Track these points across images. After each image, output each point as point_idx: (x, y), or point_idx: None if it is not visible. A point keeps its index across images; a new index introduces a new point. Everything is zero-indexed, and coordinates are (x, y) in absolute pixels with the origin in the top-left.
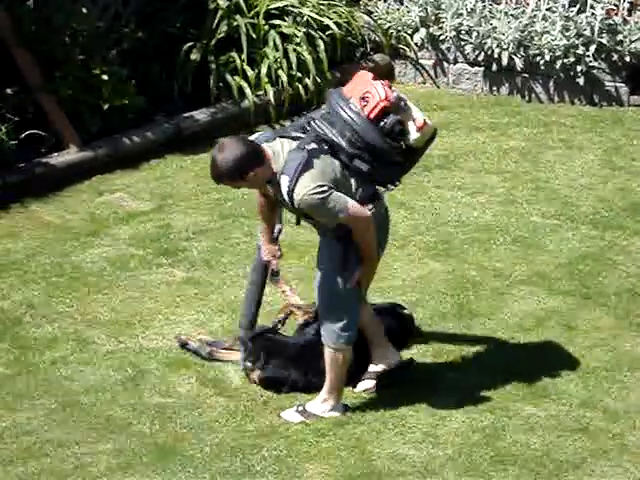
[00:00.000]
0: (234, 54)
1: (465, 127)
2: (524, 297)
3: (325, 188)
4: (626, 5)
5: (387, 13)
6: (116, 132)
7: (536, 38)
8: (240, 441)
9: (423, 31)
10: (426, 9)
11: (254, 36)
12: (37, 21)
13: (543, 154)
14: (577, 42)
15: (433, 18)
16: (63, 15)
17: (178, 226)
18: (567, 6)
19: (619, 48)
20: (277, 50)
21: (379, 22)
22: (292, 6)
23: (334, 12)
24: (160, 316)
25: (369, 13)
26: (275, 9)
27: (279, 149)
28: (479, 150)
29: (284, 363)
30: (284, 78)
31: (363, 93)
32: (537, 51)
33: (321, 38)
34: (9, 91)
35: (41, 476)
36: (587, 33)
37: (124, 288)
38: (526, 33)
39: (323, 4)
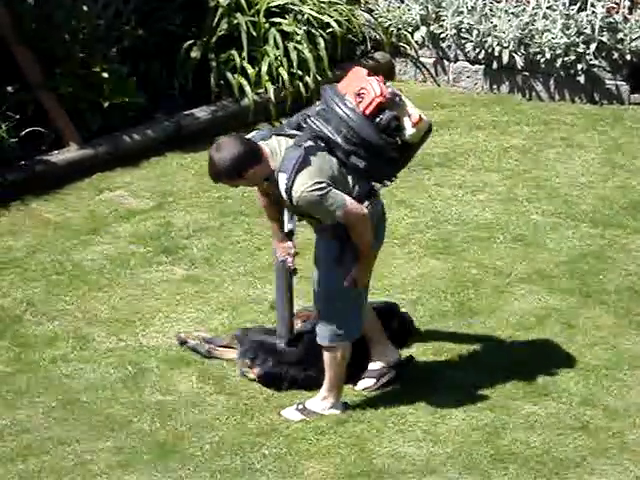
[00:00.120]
0: (234, 52)
1: (465, 125)
2: (524, 295)
3: (323, 185)
4: (627, 3)
5: (388, 11)
6: (116, 130)
7: (537, 36)
8: (240, 439)
9: (424, 29)
10: (427, 7)
11: (254, 34)
12: (37, 18)
13: (543, 152)
14: (578, 40)
15: (434, 16)
16: (63, 13)
17: (178, 224)
18: (568, 4)
19: (620, 46)
20: (277, 48)
21: (380, 20)
22: (292, 4)
23: (335, 10)
24: (160, 314)
25: (370, 11)
26: (275, 7)
27: (276, 147)
28: (479, 148)
29: (281, 359)
30: (285, 76)
31: (358, 89)
32: (538, 49)
33: (322, 36)
34: (9, 89)
35: (41, 474)
36: (588, 31)
37: (124, 286)
38: (527, 31)
39: (324, 2)
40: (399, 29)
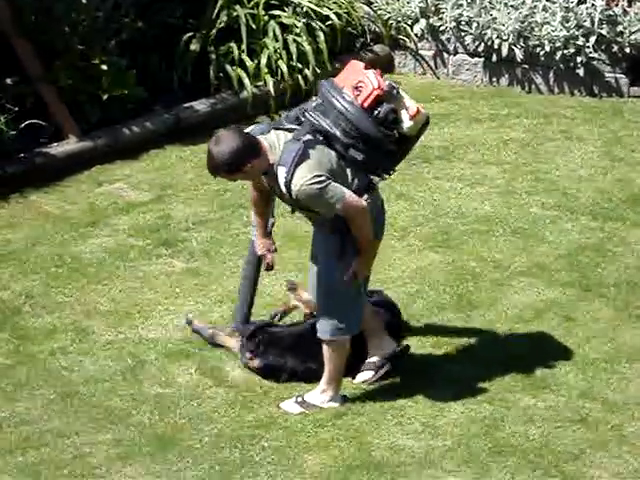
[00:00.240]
0: (234, 45)
1: (465, 118)
2: (523, 288)
3: (323, 178)
4: None
5: (387, 4)
6: (116, 122)
7: (536, 29)
8: (239, 431)
9: (423, 22)
10: (426, 0)
11: (254, 26)
12: (37, 11)
13: (543, 145)
14: (577, 33)
15: (433, 9)
16: (63, 5)
17: (178, 217)
18: None
19: (619, 39)
20: (277, 41)
21: (379, 13)
22: None
23: (334, 2)
24: (160, 307)
25: (369, 4)
26: None
27: (275, 140)
28: (479, 141)
29: (281, 351)
30: (284, 69)
31: (356, 82)
32: (537, 42)
33: (321, 29)
34: (9, 81)
35: (40, 466)
36: (587, 24)
37: (123, 278)
38: (526, 24)
39: None
40: (398, 22)
